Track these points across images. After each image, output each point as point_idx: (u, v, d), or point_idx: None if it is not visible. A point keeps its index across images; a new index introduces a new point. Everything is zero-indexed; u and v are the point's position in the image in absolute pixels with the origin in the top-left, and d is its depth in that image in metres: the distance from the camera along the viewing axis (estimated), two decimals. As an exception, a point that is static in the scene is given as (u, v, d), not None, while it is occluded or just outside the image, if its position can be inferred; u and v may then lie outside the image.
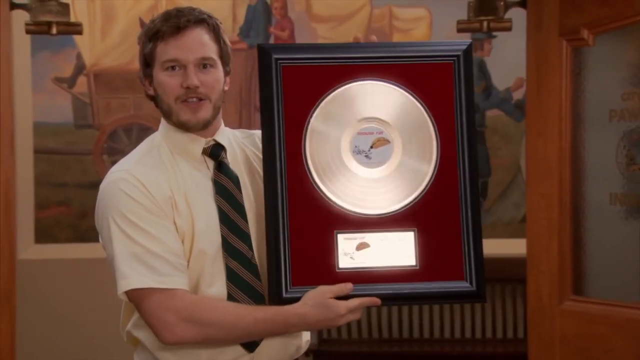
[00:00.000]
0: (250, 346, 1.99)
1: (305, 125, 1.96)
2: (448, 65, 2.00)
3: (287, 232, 1.93)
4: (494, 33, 4.53)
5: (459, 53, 2.01)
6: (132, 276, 1.91)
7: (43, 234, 4.92)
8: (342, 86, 1.97)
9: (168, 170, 2.00)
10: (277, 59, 1.95)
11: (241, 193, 2.02)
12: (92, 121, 4.91)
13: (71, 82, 4.98)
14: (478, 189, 1.99)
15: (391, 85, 1.99)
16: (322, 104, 1.97)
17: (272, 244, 1.93)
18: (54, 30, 3.46)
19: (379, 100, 1.98)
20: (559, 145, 3.33)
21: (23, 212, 4.80)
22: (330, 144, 1.97)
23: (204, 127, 2.02)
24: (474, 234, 1.97)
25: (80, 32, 3.60)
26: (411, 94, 1.99)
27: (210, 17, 2.02)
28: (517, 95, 4.92)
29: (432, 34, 4.95)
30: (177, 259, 1.93)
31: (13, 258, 3.36)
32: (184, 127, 2.01)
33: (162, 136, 2.07)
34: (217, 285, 1.97)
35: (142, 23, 4.86)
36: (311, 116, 1.96)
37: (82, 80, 4.97)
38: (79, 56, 4.96)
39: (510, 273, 4.76)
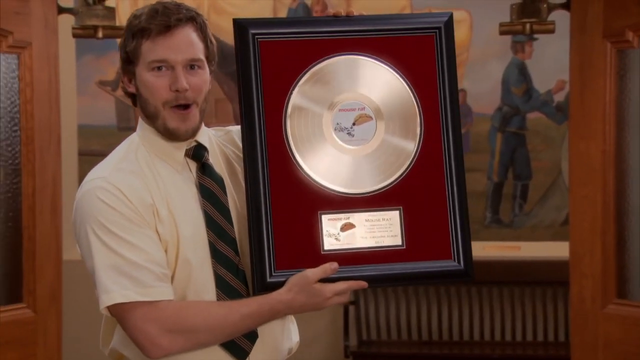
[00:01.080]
0: (241, 355, 1.90)
1: (286, 103, 1.87)
2: (429, 38, 1.93)
3: (270, 214, 1.84)
4: (536, 35, 4.54)
5: (439, 25, 1.94)
6: (114, 290, 1.80)
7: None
8: (322, 61, 1.89)
9: (147, 176, 1.88)
10: (254, 34, 1.86)
11: (226, 195, 1.93)
12: (135, 124, 4.94)
13: (114, 85, 5.04)
14: (463, 166, 1.92)
15: (372, 60, 1.91)
16: (301, 81, 1.88)
17: (255, 228, 1.84)
18: (100, 33, 3.50)
19: (359, 75, 1.90)
20: (603, 147, 3.33)
21: (68, 213, 4.86)
22: (311, 122, 1.88)
23: (192, 134, 1.91)
24: (460, 212, 1.91)
25: (125, 36, 3.63)
26: (392, 69, 1.92)
27: (198, 14, 1.91)
28: (558, 97, 4.90)
29: (472, 36, 4.96)
30: (161, 269, 1.82)
31: (59, 258, 3.40)
32: (170, 134, 1.89)
33: (141, 138, 1.94)
34: (206, 294, 1.88)
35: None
36: (291, 93, 1.88)
37: (126, 83, 5.03)
38: (122, 59, 5.02)
39: (552, 276, 4.76)
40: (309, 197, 1.87)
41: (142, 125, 1.95)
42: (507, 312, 4.95)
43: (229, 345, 1.87)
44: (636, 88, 3.30)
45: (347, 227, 1.88)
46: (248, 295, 1.88)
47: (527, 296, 4.96)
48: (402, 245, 1.89)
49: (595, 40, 3.33)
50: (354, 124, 1.90)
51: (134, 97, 1.93)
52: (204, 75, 1.90)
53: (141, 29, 1.86)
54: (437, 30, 1.94)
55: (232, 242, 1.90)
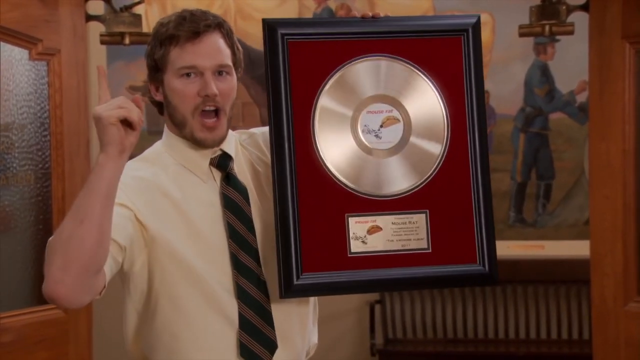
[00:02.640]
0: None
1: (314, 104, 1.85)
2: (457, 40, 1.92)
3: (298, 217, 1.83)
4: (557, 37, 4.55)
5: (467, 27, 1.92)
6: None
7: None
8: (350, 63, 1.87)
9: (155, 184, 1.88)
10: (283, 34, 1.84)
11: (249, 206, 1.91)
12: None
13: (144, 90, 5.10)
14: (488, 169, 1.92)
15: (400, 62, 1.89)
16: (330, 82, 1.87)
17: (282, 231, 1.83)
18: (127, 40, 3.56)
19: (387, 77, 1.89)
20: (623, 148, 3.35)
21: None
22: (339, 124, 1.87)
23: (219, 144, 1.91)
24: (485, 216, 1.90)
25: (152, 42, 3.68)
26: (420, 71, 1.90)
27: (224, 21, 1.91)
28: (581, 98, 4.91)
29: (495, 38, 4.98)
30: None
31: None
32: (197, 143, 1.89)
33: (167, 147, 1.94)
34: (227, 305, 1.87)
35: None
36: (319, 95, 1.86)
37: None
38: (151, 65, 5.10)
39: (575, 274, 4.75)
40: (336, 199, 1.86)
41: (168, 134, 1.94)
42: (531, 310, 4.95)
43: (248, 356, 1.87)
44: (655, 88, 3.32)
45: (373, 230, 1.87)
46: (269, 307, 1.88)
47: (551, 294, 4.96)
48: (427, 249, 1.89)
49: (614, 41, 3.34)
50: (381, 126, 1.89)
51: (161, 106, 1.93)
52: (232, 82, 1.89)
53: (169, 36, 1.86)
54: (464, 33, 1.93)
55: (254, 253, 1.89)
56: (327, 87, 1.87)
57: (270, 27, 1.85)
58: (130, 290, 1.91)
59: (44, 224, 3.34)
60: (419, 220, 1.89)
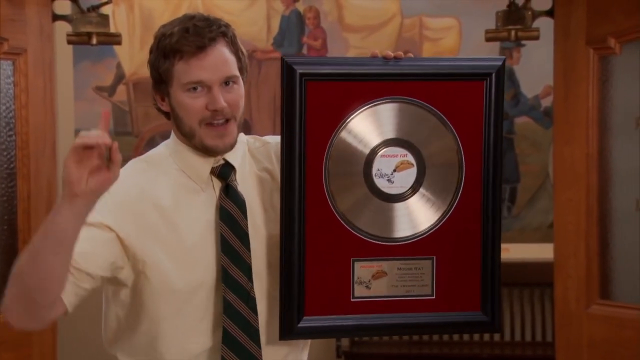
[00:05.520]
0: None
1: (328, 146, 1.82)
2: (479, 85, 1.86)
3: (303, 259, 1.81)
4: (523, 42, 4.58)
5: (491, 71, 1.86)
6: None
7: (84, 238, 5.00)
8: (367, 105, 1.83)
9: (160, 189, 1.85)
10: (302, 74, 1.79)
11: (246, 219, 1.86)
12: (131, 128, 4.99)
13: (111, 90, 5.09)
14: (500, 219, 1.89)
15: (419, 106, 1.85)
16: (345, 124, 1.83)
17: (286, 272, 1.80)
18: (94, 40, 3.54)
19: (405, 120, 1.85)
20: (586, 151, 3.37)
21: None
22: (352, 166, 1.84)
23: (230, 149, 1.87)
24: (492, 265, 1.88)
25: (119, 43, 3.66)
26: (438, 115, 1.85)
27: (227, 27, 1.85)
28: (546, 102, 4.95)
29: (461, 43, 5.01)
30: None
31: (55, 260, 3.44)
32: (207, 151, 1.85)
33: (172, 152, 1.91)
34: (207, 319, 1.85)
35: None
36: (334, 136, 1.82)
37: (121, 89, 5.08)
38: (118, 66, 5.07)
39: (539, 277, 4.79)
40: (343, 242, 1.84)
41: (175, 140, 1.91)
42: (496, 313, 4.99)
43: None
44: (618, 93, 3.34)
45: (378, 275, 1.86)
46: (257, 324, 1.85)
47: (515, 297, 5.00)
48: (431, 295, 1.88)
49: (578, 46, 3.37)
50: (394, 170, 1.85)
51: (167, 114, 1.89)
52: (240, 90, 1.85)
53: (173, 50, 1.80)
54: (488, 77, 1.86)
55: (246, 269, 1.84)
56: (342, 129, 1.83)
57: (288, 66, 1.80)
58: (112, 296, 1.89)
59: (9, 224, 3.32)
60: (424, 267, 1.88)
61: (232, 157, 1.89)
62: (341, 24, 5.06)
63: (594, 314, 3.37)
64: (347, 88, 1.82)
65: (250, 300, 1.84)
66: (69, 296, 1.75)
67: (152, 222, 1.83)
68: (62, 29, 3.70)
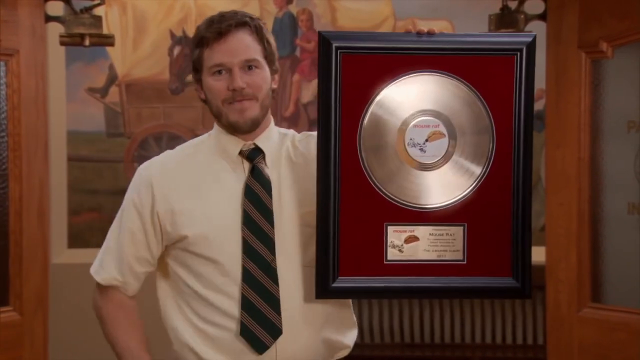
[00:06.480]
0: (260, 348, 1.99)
1: (362, 116, 1.92)
2: (510, 59, 1.92)
3: (338, 221, 1.91)
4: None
5: (522, 47, 1.92)
6: (95, 264, 2.14)
7: (76, 239, 5.00)
8: (400, 77, 1.92)
9: (188, 171, 2.06)
10: (337, 47, 1.90)
11: (271, 198, 2.01)
12: (124, 130, 5.01)
13: (104, 92, 5.09)
14: (530, 187, 1.95)
15: (451, 78, 1.92)
16: (380, 95, 1.92)
17: (322, 233, 1.91)
18: (87, 41, 3.54)
19: (437, 92, 1.93)
20: (578, 155, 3.38)
21: (57, 217, 4.90)
22: (385, 136, 1.93)
23: (253, 125, 2.03)
24: (523, 232, 1.94)
25: (112, 44, 3.66)
26: (470, 88, 1.93)
27: (252, 18, 2.03)
28: (538, 106, 4.94)
29: (454, 45, 5.01)
30: (126, 264, 2.09)
31: (46, 263, 3.43)
32: (233, 127, 2.03)
33: (210, 136, 2.11)
34: (229, 285, 1.99)
35: (172, 35, 4.96)
36: (368, 107, 1.92)
37: (114, 90, 5.08)
38: (111, 67, 5.07)
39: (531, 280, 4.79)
40: (376, 208, 1.93)
41: (215, 125, 2.11)
42: (487, 315, 5.00)
43: (247, 336, 1.97)
44: (610, 97, 3.34)
45: (410, 239, 1.93)
46: (277, 294, 1.98)
47: (507, 300, 5.01)
48: (463, 260, 1.94)
49: (570, 50, 3.38)
50: (427, 140, 1.93)
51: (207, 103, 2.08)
52: (262, 74, 2.02)
53: (200, 39, 2.02)
54: (518, 52, 1.93)
55: (267, 241, 1.99)
56: (376, 99, 1.92)
57: (325, 39, 1.91)
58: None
59: (0, 225, 3.31)
60: (456, 233, 1.94)
61: (262, 142, 2.06)
62: (334, 27, 5.07)
63: (585, 317, 3.37)
64: (382, 61, 1.91)
65: (270, 271, 1.98)
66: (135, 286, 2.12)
67: (185, 192, 2.04)
68: (55, 30, 3.69)
